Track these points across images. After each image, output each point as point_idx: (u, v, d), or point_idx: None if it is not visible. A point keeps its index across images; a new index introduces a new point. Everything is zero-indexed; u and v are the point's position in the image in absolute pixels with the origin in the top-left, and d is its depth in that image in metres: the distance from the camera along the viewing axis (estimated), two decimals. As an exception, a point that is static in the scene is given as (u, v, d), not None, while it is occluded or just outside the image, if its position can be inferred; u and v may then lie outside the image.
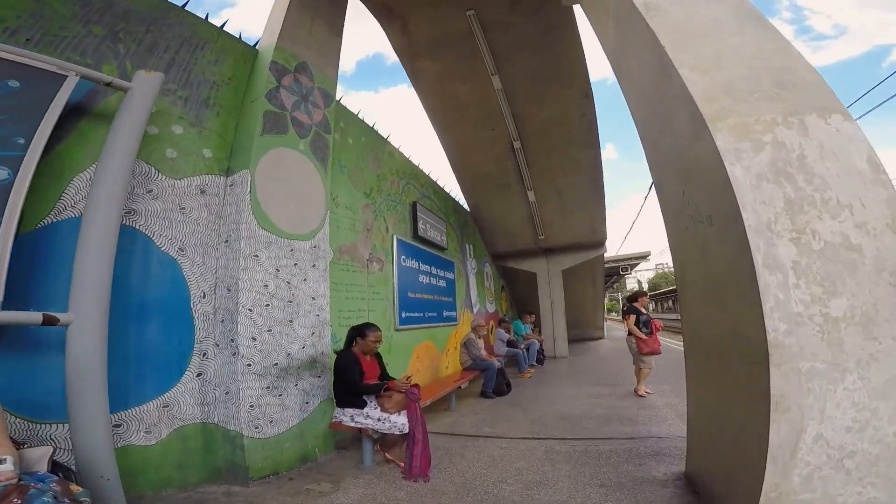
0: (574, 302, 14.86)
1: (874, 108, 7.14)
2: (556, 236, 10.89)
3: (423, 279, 6.48)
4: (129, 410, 2.70)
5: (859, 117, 8.47)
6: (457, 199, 9.68)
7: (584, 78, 7.02)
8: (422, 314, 6.19)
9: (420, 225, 6.52)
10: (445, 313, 7.24)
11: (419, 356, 6.01)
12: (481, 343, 6.63)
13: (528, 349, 9.25)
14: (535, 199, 9.70)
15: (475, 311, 9.55)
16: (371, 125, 5.79)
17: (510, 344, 8.57)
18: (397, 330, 5.38)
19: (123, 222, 2.64)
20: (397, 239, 5.72)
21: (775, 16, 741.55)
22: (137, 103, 2.62)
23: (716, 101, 2.20)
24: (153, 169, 3.02)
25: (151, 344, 2.84)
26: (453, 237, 8.68)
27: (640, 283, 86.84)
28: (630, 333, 5.85)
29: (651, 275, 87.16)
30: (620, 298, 66.19)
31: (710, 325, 2.48)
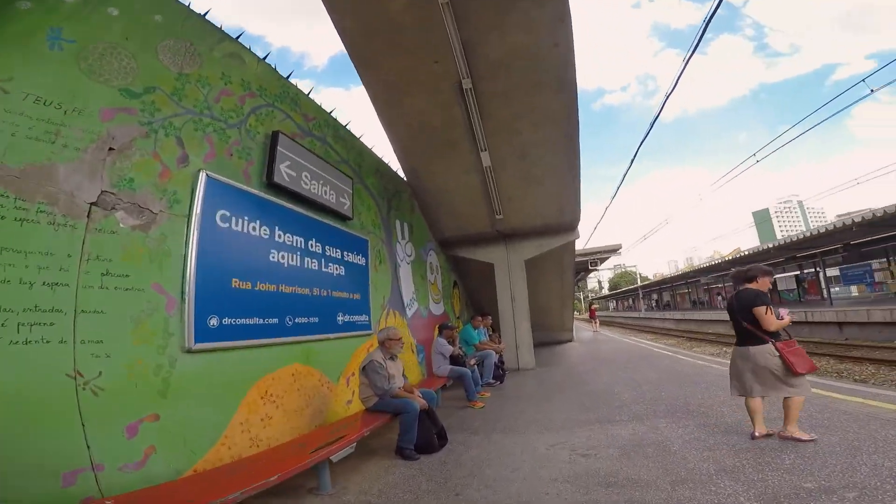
0: (539, 299, 12.55)
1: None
2: (517, 215, 8.45)
3: (286, 259, 3.78)
4: None
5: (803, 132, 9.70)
6: (389, 162, 7.10)
7: (561, -8, 4.75)
8: (276, 320, 3.48)
9: (282, 168, 3.84)
10: (343, 318, 4.57)
11: (271, 394, 3.30)
12: (398, 366, 4.02)
13: (481, 364, 6.73)
14: (491, 162, 7.20)
15: (410, 313, 6.94)
16: (188, 4, 3.21)
17: (455, 360, 6.01)
18: (191, 351, 2.65)
19: None
20: (207, 177, 2.98)
21: (738, 32, 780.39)
22: None
23: None
24: None
25: None
26: (371, 207, 6.06)
27: (599, 282, 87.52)
28: (761, 341, 3.23)
29: (611, 274, 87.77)
30: (583, 298, 65.28)
31: None
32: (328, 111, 5.36)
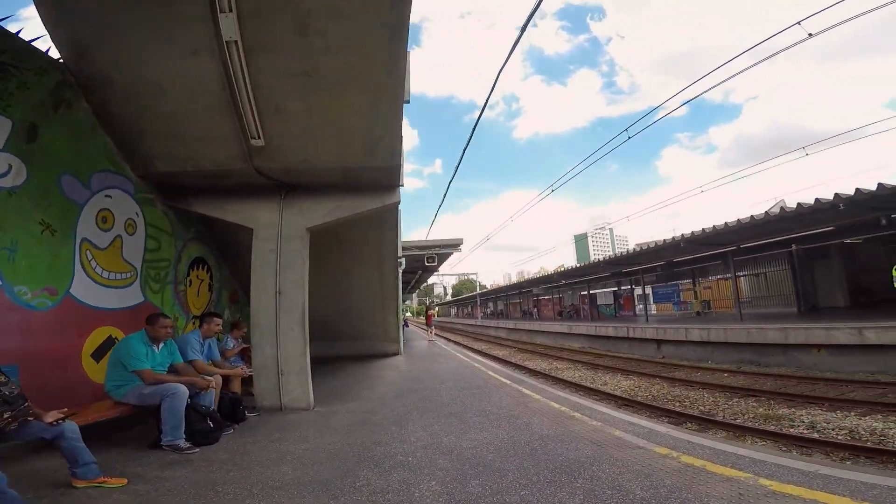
0: (352, 297, 9.18)
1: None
2: (294, 144, 4.88)
3: None
4: None
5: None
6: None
7: None
8: None
9: None
10: None
11: None
12: None
13: (159, 409, 2.97)
14: (240, 37, 3.47)
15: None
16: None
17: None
18: None
19: None
20: None
21: (595, 68, 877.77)
22: None
23: None
24: None
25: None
26: None
27: (445, 289, 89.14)
28: None
29: (455, 281, 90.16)
30: (429, 303, 63.99)
31: None
32: None
